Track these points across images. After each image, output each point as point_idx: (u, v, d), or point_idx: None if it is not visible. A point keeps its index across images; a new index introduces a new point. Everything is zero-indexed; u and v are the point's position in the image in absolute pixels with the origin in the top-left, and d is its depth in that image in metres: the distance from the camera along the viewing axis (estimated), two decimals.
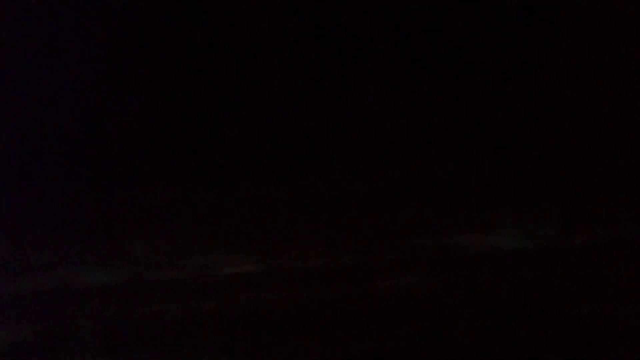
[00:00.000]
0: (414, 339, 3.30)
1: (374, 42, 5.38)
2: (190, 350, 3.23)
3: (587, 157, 5.42)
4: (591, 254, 4.31)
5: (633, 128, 5.57)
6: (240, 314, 3.65)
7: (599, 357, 3.15)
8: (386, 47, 5.40)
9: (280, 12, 5.23)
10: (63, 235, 4.62)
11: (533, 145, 5.51)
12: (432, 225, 4.69)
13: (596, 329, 3.38)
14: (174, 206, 4.97)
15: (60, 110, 5.24)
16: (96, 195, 5.04)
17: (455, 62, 5.47)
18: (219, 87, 5.32)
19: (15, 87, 5.15)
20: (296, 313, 3.68)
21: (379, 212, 4.85)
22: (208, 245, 4.51)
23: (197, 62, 5.28)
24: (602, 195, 5.01)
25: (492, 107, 5.54)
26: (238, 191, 5.15)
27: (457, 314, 3.53)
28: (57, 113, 5.24)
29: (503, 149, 5.48)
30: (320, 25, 5.28)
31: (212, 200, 5.07)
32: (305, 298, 3.84)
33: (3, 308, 3.69)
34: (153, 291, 3.97)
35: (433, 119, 5.53)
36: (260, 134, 5.37)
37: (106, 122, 5.27)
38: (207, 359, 3.16)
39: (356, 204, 4.99)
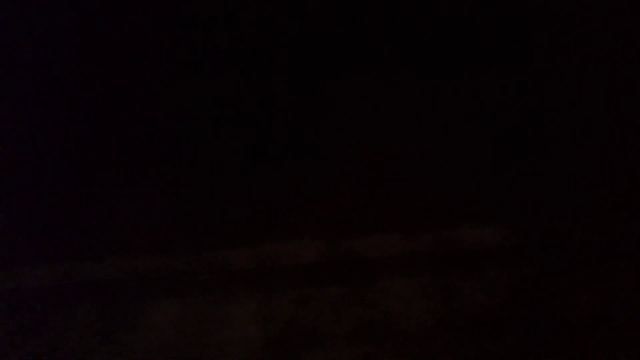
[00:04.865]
0: None
1: (365, 36, 5.36)
2: None
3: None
4: None
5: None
6: None
7: None
8: (374, 41, 5.36)
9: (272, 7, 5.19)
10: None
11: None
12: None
13: None
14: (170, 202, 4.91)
15: (58, 108, 5.25)
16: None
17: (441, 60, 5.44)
18: (213, 83, 5.31)
19: (14, 87, 5.16)
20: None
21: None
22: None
23: (193, 58, 5.27)
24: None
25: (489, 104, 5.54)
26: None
27: None
28: (55, 112, 5.24)
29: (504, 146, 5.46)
30: (313, 18, 5.24)
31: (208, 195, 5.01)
32: None
33: None
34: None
35: (433, 115, 5.53)
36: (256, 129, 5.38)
37: (101, 120, 5.28)
38: None
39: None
